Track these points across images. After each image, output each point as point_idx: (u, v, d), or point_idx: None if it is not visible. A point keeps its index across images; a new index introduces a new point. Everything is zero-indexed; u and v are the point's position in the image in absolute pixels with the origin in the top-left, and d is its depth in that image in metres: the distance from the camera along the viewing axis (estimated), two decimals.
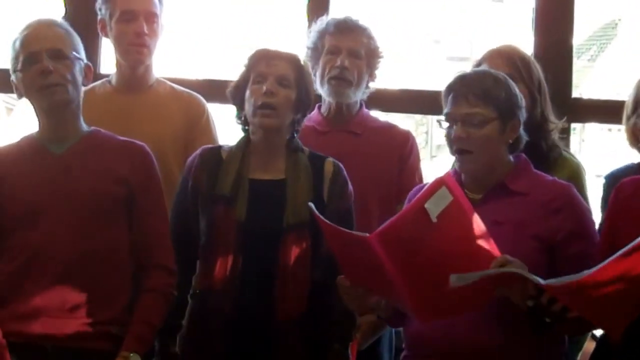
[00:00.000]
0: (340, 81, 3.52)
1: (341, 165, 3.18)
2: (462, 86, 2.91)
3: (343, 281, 2.86)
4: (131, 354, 2.92)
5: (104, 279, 2.96)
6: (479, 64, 3.50)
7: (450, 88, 2.94)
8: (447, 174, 2.78)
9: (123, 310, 2.99)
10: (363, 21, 3.65)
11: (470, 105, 2.88)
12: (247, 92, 3.11)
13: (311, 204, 2.87)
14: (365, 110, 3.68)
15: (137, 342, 2.96)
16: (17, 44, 3.01)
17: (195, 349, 3.10)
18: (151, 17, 3.58)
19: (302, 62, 3.19)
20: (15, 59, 3.01)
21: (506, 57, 3.47)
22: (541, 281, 2.54)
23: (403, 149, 3.61)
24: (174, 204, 3.19)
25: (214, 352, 3.06)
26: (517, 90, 2.97)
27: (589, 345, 3.30)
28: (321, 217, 2.80)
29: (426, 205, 2.67)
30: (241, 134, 3.21)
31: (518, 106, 2.94)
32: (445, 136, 2.95)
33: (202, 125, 3.64)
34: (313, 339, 3.08)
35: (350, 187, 3.18)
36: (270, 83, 3.07)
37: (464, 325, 2.80)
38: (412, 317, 2.84)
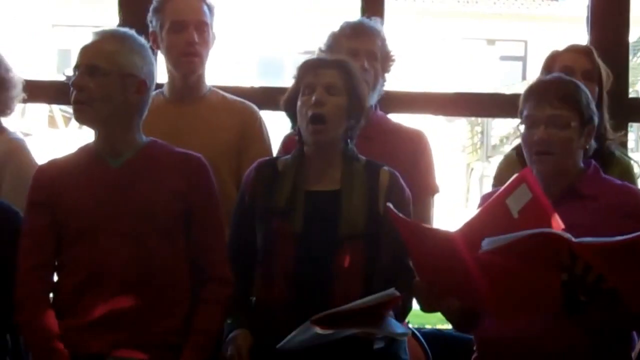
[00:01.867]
0: None
1: (397, 173, 3.15)
2: (546, 89, 2.96)
3: (419, 283, 2.86)
4: None
5: (162, 291, 2.98)
6: (552, 58, 3.50)
7: (533, 91, 2.98)
8: (527, 170, 2.79)
9: (182, 321, 3.00)
10: (376, 23, 3.65)
11: (554, 108, 2.91)
12: (299, 104, 3.09)
13: (389, 204, 2.85)
14: (378, 112, 3.66)
15: (196, 352, 2.97)
16: (77, 53, 3.05)
17: None
18: (202, 26, 3.57)
19: (351, 67, 3.16)
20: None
21: (588, 54, 3.48)
22: (573, 239, 2.54)
23: (416, 150, 3.59)
24: (232, 218, 3.19)
25: None
26: (591, 97, 3.01)
27: None
28: (400, 214, 2.78)
29: (507, 201, 2.69)
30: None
31: (594, 112, 2.99)
32: (523, 139, 2.98)
33: (255, 134, 3.64)
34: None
35: (408, 193, 3.16)
36: (318, 93, 3.05)
37: (535, 327, 2.80)
38: (488, 315, 2.84)
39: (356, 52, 3.50)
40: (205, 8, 3.59)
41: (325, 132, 3.06)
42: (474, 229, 2.67)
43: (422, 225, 2.79)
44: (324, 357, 2.93)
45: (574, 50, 3.57)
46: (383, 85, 3.63)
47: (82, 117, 3.02)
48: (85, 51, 3.02)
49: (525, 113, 2.96)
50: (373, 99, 3.55)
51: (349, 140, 3.14)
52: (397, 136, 3.60)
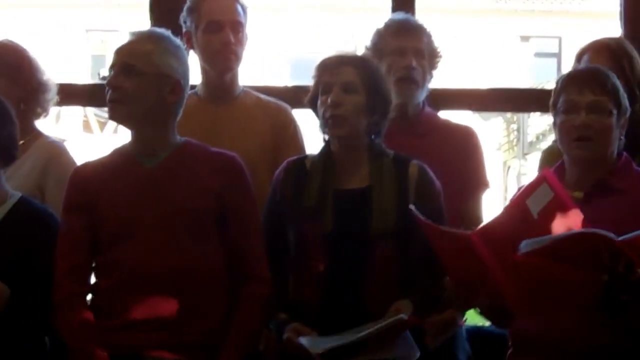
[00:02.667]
0: (408, 82, 3.50)
1: (425, 166, 3.13)
2: (588, 77, 2.96)
3: (448, 283, 2.86)
4: None
5: (200, 291, 2.98)
6: (581, 55, 3.49)
7: (573, 78, 2.99)
8: (547, 170, 2.79)
9: (220, 321, 3.00)
10: (422, 21, 3.64)
11: (596, 94, 2.92)
12: (318, 103, 3.09)
13: (412, 206, 2.85)
14: (427, 109, 3.66)
15: (235, 352, 2.97)
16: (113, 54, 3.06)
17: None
18: (236, 26, 3.58)
19: (369, 62, 3.15)
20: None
21: (610, 51, 3.46)
22: (615, 238, 2.52)
23: (466, 146, 3.58)
24: (263, 218, 3.18)
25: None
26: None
27: None
28: (422, 218, 2.79)
29: (527, 202, 2.68)
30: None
31: (627, 105, 3.00)
32: (560, 126, 2.97)
33: (289, 135, 3.64)
34: None
35: (438, 184, 3.14)
36: (335, 93, 3.04)
37: (570, 323, 2.78)
38: (514, 314, 2.83)
39: (403, 50, 3.50)
40: (239, 8, 3.60)
41: (344, 129, 3.05)
42: (495, 230, 2.68)
43: (441, 227, 2.78)
44: None
45: (602, 46, 3.53)
46: (430, 81, 3.62)
47: (117, 115, 3.03)
48: (121, 51, 3.03)
49: (563, 99, 2.95)
50: (422, 96, 3.57)
51: (376, 136, 3.12)
52: (447, 132, 3.60)
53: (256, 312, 3.03)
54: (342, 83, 3.04)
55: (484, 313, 3.03)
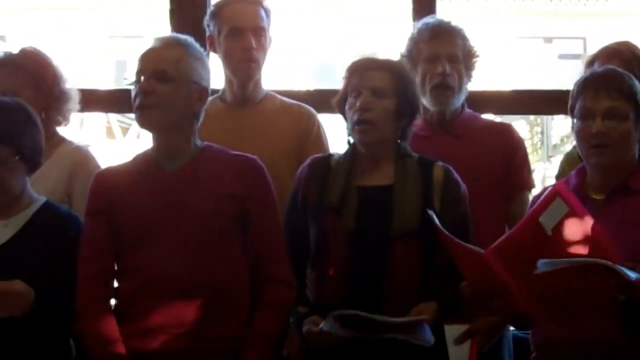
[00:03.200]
0: (443, 90, 3.49)
1: (450, 167, 3.12)
2: (604, 81, 2.91)
3: (466, 288, 2.86)
4: None
5: (222, 295, 2.98)
6: (591, 61, 3.46)
7: (589, 83, 2.94)
8: (560, 183, 2.77)
9: (242, 325, 3.00)
10: (456, 23, 3.62)
11: (612, 100, 2.87)
12: (346, 106, 3.09)
13: (431, 212, 2.85)
14: (467, 110, 3.65)
15: (257, 356, 2.96)
16: (137, 60, 3.06)
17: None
18: (259, 32, 3.59)
19: (401, 67, 3.14)
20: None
21: (621, 57, 3.43)
22: (631, 276, 2.50)
23: (508, 146, 3.57)
24: (284, 216, 3.18)
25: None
26: None
27: None
28: (439, 225, 2.79)
29: (540, 219, 2.66)
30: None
31: None
32: (577, 131, 2.93)
33: (313, 138, 3.65)
34: None
35: (464, 187, 3.13)
36: (365, 97, 3.03)
37: (591, 328, 2.77)
38: (533, 320, 2.84)
39: (436, 56, 3.49)
40: (262, 12, 3.62)
41: (372, 135, 3.04)
42: (509, 248, 2.67)
43: (456, 240, 2.77)
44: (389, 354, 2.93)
45: (612, 52, 3.51)
46: (468, 83, 3.61)
47: (149, 121, 3.01)
48: (151, 57, 3.03)
49: (579, 105, 2.92)
50: (459, 101, 3.56)
51: (402, 139, 3.12)
52: (488, 133, 3.59)
53: (279, 315, 3.03)
54: (372, 87, 3.04)
55: (504, 316, 3.00)
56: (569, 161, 3.55)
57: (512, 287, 2.66)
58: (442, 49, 3.51)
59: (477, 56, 3.61)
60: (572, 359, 2.85)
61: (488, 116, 3.83)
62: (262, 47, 3.62)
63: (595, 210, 2.85)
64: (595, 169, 2.94)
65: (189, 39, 3.12)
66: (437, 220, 2.81)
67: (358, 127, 3.04)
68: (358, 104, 3.03)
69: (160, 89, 2.97)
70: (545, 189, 3.01)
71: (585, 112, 2.90)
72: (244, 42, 3.57)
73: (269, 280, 3.04)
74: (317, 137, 3.66)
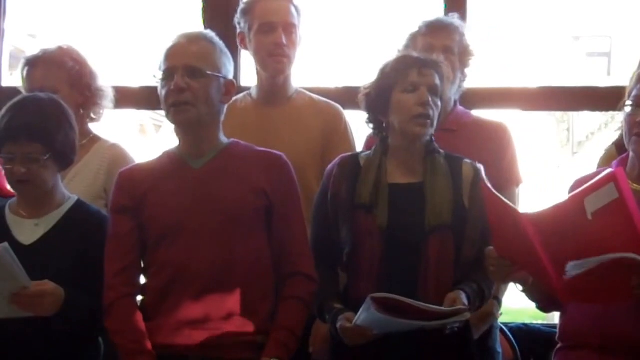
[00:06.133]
0: None
1: (477, 165, 3.13)
2: None
3: (491, 252, 2.85)
4: None
5: (246, 290, 2.99)
6: None
7: None
8: (620, 170, 2.66)
9: (266, 319, 3.01)
10: (454, 19, 3.65)
11: None
12: (398, 99, 3.08)
13: (484, 178, 2.86)
14: (459, 107, 3.67)
15: (279, 348, 2.96)
16: (162, 56, 3.06)
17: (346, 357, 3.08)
18: (290, 28, 3.62)
19: (445, 69, 3.17)
20: (159, 71, 3.05)
21: None
22: None
23: (500, 142, 3.60)
24: (314, 213, 3.19)
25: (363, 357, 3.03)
26: None
27: None
28: (487, 183, 2.80)
29: (586, 201, 2.61)
30: None
31: None
32: (626, 116, 2.92)
33: (340, 135, 3.66)
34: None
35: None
36: (425, 94, 3.05)
37: (618, 318, 2.79)
38: (555, 296, 2.80)
39: (431, 47, 3.50)
40: (293, 9, 3.64)
41: (430, 126, 3.07)
42: (547, 220, 2.65)
43: (500, 198, 2.75)
44: (416, 345, 2.96)
45: None
46: (463, 80, 3.64)
47: (185, 118, 3.02)
48: (180, 53, 3.03)
49: (634, 93, 2.91)
50: (451, 93, 3.57)
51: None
52: (479, 129, 3.61)
53: (301, 308, 3.03)
54: (430, 85, 3.07)
55: (525, 292, 2.99)
56: (608, 157, 3.50)
57: (541, 257, 2.65)
58: (438, 40, 3.54)
59: (473, 55, 3.63)
60: (600, 349, 2.84)
61: (478, 112, 3.83)
62: (293, 44, 3.64)
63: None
64: (637, 156, 2.93)
65: (211, 33, 3.13)
66: (483, 173, 2.83)
67: (418, 120, 3.05)
68: (423, 99, 3.04)
69: (194, 85, 2.98)
70: (599, 171, 2.96)
71: (635, 100, 2.90)
72: (275, 37, 3.59)
73: (292, 274, 3.04)
74: (343, 134, 3.68)
